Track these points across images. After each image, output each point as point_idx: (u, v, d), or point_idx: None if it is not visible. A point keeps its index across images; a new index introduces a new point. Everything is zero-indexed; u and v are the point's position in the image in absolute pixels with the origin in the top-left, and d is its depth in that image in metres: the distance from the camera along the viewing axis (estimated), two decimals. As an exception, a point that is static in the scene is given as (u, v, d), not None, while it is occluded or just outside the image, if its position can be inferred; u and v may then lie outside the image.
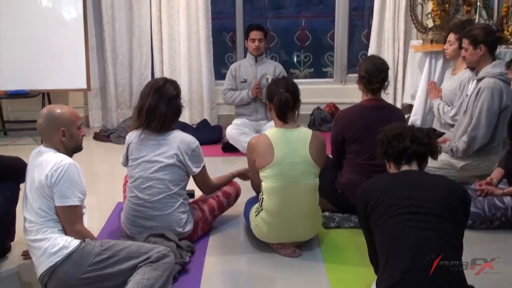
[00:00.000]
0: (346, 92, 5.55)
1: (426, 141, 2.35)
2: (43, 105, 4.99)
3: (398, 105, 5.27)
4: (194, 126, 5.27)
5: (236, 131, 4.58)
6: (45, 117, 2.60)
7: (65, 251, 2.42)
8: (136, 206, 2.96)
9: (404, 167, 2.35)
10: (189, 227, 3.01)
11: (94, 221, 3.36)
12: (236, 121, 4.81)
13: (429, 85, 4.38)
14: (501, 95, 3.47)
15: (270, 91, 2.92)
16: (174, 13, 5.18)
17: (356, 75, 5.50)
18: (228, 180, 3.32)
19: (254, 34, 4.66)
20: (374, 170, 3.04)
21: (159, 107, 2.93)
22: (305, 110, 5.47)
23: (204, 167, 3.07)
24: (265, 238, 2.96)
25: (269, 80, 4.72)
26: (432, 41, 4.72)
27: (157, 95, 2.95)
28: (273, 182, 2.81)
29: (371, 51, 5.27)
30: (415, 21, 4.81)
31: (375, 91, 3.25)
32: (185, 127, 5.09)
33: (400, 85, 5.25)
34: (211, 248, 3.07)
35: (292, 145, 2.82)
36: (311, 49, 6.04)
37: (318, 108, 5.39)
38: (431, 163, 3.68)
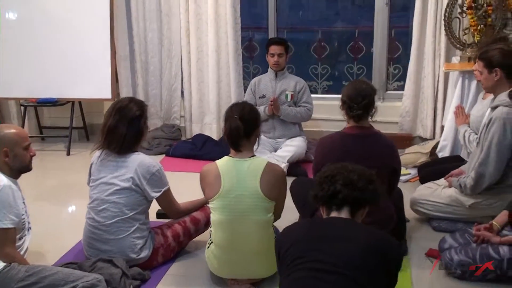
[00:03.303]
0: (386, 110, 5.15)
1: (361, 186, 2.07)
2: (72, 113, 5.13)
3: (438, 127, 4.83)
4: (217, 140, 5.16)
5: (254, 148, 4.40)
6: (-11, 136, 2.61)
7: (-13, 274, 2.40)
8: (92, 228, 2.90)
9: (334, 214, 2.08)
10: (144, 254, 2.89)
11: (72, 237, 3.36)
12: (254, 138, 4.63)
13: (455, 110, 3.94)
14: (515, 127, 3.02)
15: (225, 115, 2.75)
16: (202, 24, 5.10)
17: (396, 92, 5.26)
18: (200, 205, 3.17)
19: (274, 49, 4.46)
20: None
21: (118, 127, 2.86)
22: (341, 128, 5.17)
23: (166, 191, 2.95)
24: (217, 272, 2.79)
25: (289, 97, 4.53)
26: (469, 59, 4.25)
27: (118, 115, 2.88)
28: (220, 214, 2.64)
29: (411, 67, 4.87)
30: (450, 37, 4.35)
31: (357, 118, 2.95)
32: (206, 141, 5.02)
33: (440, 105, 4.80)
34: (168, 277, 2.93)
35: (241, 177, 2.62)
36: (365, 61, 5.70)
37: (350, 126, 5.07)
38: (438, 199, 3.39)
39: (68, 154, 5.08)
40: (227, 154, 2.73)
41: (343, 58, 5.81)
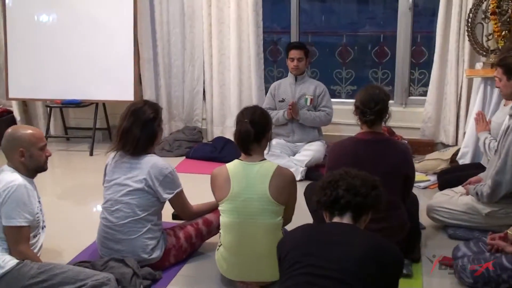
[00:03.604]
0: (408, 116, 5.13)
1: (363, 192, 2.06)
2: (95, 115, 5.23)
3: (460, 133, 4.76)
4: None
5: (265, 152, 4.40)
6: (7, 136, 2.69)
7: (0, 271, 2.47)
8: (106, 228, 2.95)
9: (336, 219, 2.08)
10: (156, 254, 2.93)
11: (88, 236, 3.41)
12: (272, 141, 4.64)
13: (476, 116, 3.88)
14: (533, 135, 2.96)
15: (236, 119, 2.77)
16: (224, 28, 5.13)
17: (419, 97, 5.20)
18: (213, 207, 3.17)
19: (293, 53, 4.47)
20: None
21: (133, 130, 2.91)
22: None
23: (179, 193, 2.99)
24: (226, 274, 2.81)
25: (308, 101, 4.53)
26: (492, 65, 4.18)
27: (132, 117, 2.93)
28: (228, 217, 2.66)
29: (434, 73, 4.82)
30: (473, 42, 4.29)
31: (370, 123, 2.93)
32: (226, 143, 5.05)
33: (463, 112, 4.72)
34: (179, 278, 2.97)
35: (250, 180, 2.64)
36: (390, 66, 5.64)
37: (371, 131, 5.01)
38: (454, 206, 3.34)
39: (91, 154, 5.16)
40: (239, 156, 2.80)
41: (367, 63, 5.77)
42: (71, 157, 5.28)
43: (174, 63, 5.39)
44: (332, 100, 4.75)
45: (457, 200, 3.37)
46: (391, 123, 4.99)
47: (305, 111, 4.49)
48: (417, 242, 3.21)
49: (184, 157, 5.01)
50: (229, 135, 5.31)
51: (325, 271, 1.86)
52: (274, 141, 4.62)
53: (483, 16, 4.25)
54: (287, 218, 2.78)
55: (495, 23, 4.14)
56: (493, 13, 4.14)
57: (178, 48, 5.34)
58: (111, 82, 5.09)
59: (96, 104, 5.21)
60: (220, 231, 2.76)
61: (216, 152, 4.90)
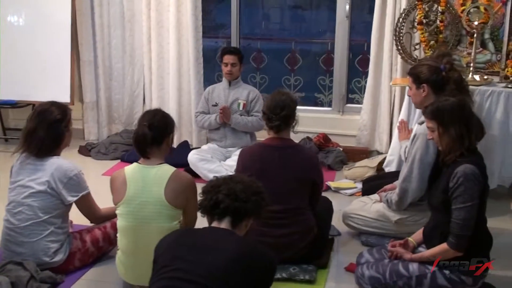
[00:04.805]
0: (344, 123, 5.18)
1: (243, 197, 2.07)
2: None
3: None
4: (175, 147, 5.16)
5: (196, 157, 4.41)
6: None
7: None
8: (8, 230, 2.92)
9: (215, 223, 2.09)
10: (59, 257, 2.90)
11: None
12: (204, 146, 4.68)
13: (398, 125, 3.92)
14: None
15: (137, 121, 2.77)
16: (164, 32, 5.12)
17: (356, 105, 5.25)
18: (123, 211, 3.17)
19: (227, 58, 4.47)
20: (270, 217, 2.79)
21: (37, 131, 2.89)
22: (296, 138, 5.16)
23: (84, 196, 2.96)
24: (124, 277, 2.79)
25: (241, 106, 4.54)
26: (419, 75, 4.23)
27: (37, 118, 2.91)
28: (124, 220, 2.66)
29: (369, 81, 4.89)
30: (402, 52, 4.35)
31: (276, 129, 2.95)
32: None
33: (396, 120, 4.77)
34: (81, 282, 2.94)
35: (147, 184, 2.63)
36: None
37: (307, 138, 5.05)
38: (367, 213, 3.37)
39: (25, 156, 5.08)
40: (171, 161, 2.79)
41: (316, 70, 5.82)
42: (7, 158, 5.19)
43: (115, 66, 5.36)
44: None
45: (370, 207, 3.41)
46: (328, 130, 5.13)
47: (237, 116, 4.49)
48: (327, 248, 3.24)
49: (119, 160, 4.97)
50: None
51: (192, 276, 1.87)
52: (207, 146, 4.65)
53: (411, 26, 4.31)
54: (190, 223, 2.77)
55: (422, 33, 4.21)
56: (420, 23, 4.21)
57: (118, 50, 5.31)
58: (48, 84, 5.04)
59: (33, 105, 5.14)
60: (117, 234, 2.75)
61: (150, 156, 4.87)
